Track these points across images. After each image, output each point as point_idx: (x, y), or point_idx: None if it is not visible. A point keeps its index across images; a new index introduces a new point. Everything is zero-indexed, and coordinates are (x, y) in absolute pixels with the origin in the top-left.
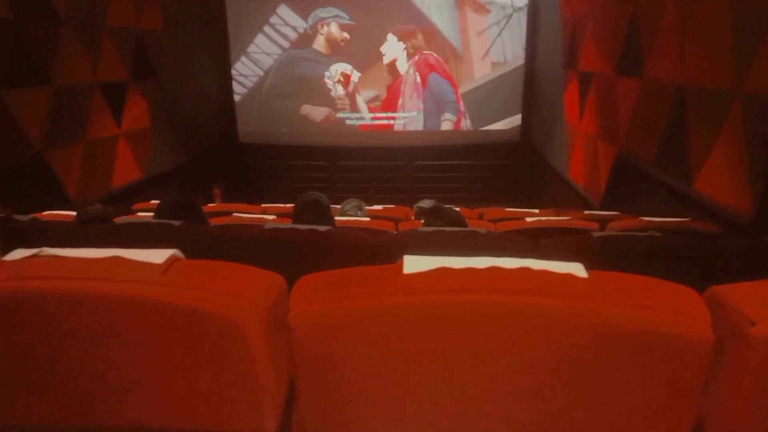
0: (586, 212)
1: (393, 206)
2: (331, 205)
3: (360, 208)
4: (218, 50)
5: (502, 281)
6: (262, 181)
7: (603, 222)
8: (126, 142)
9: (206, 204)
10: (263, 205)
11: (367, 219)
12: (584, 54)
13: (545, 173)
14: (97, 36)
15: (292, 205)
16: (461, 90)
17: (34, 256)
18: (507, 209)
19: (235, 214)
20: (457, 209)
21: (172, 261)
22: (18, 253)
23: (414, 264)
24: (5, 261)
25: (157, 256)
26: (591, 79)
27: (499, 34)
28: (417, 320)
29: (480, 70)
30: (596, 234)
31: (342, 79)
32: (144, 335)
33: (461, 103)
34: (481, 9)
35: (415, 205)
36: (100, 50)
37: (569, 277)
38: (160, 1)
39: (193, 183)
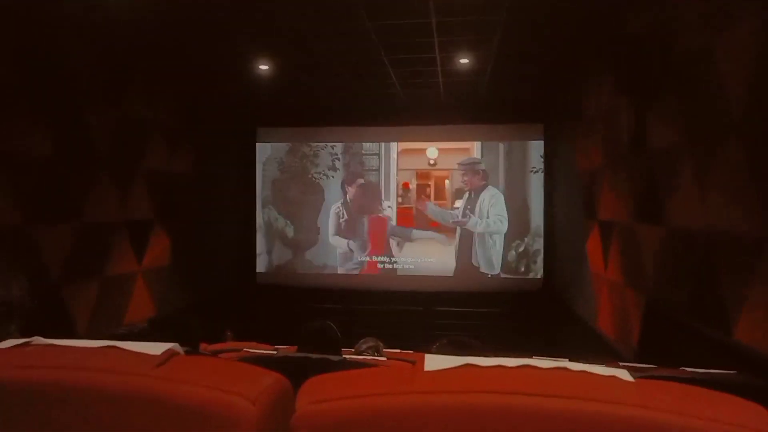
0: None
1: (411, 351)
2: (348, 348)
3: (377, 350)
4: (244, 193)
5: (536, 382)
6: (278, 323)
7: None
8: (143, 280)
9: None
10: (277, 346)
11: (384, 359)
12: (603, 203)
13: (570, 323)
14: (129, 177)
15: None
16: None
17: (25, 344)
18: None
19: (245, 350)
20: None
21: (169, 355)
22: (7, 342)
23: (436, 362)
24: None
25: (154, 348)
26: (612, 227)
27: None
28: (437, 421)
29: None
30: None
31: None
32: (131, 429)
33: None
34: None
35: (435, 346)
36: (131, 190)
37: (614, 381)
38: (193, 145)
39: (206, 323)
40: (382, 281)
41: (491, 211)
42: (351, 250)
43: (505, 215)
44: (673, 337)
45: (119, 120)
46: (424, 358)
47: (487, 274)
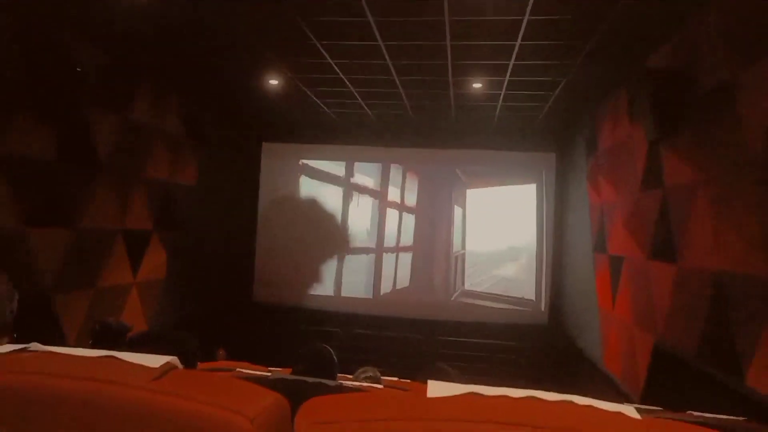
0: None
1: (409, 381)
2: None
3: (376, 380)
4: (245, 209)
5: (541, 414)
6: (273, 342)
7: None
8: (137, 292)
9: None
10: (271, 368)
11: (381, 387)
12: (613, 238)
13: (576, 359)
14: (129, 185)
15: None
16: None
17: (22, 350)
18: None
19: (238, 369)
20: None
21: (168, 368)
22: (5, 348)
23: (439, 389)
24: None
25: (153, 360)
26: (622, 263)
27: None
28: None
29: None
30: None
31: None
32: None
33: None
34: None
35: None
36: (131, 199)
37: (621, 417)
38: (197, 158)
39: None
40: (380, 306)
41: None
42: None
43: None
44: (682, 380)
45: (123, 127)
46: (426, 384)
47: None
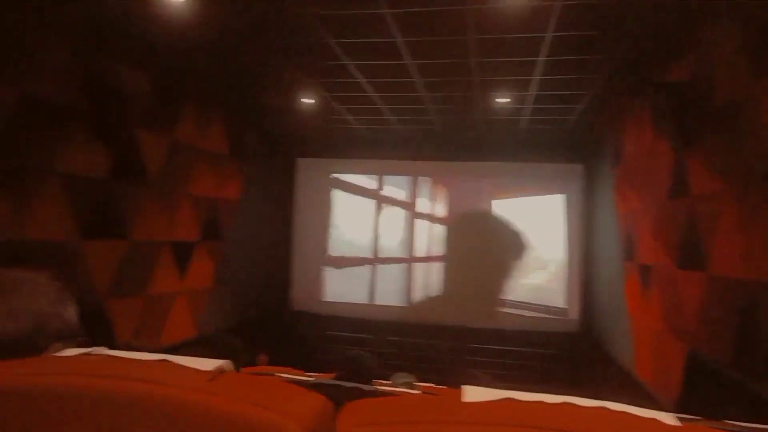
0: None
1: (444, 387)
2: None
3: (411, 386)
4: (283, 222)
5: (577, 420)
6: (311, 350)
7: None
8: (185, 300)
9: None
10: (311, 374)
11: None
12: (643, 247)
13: (607, 367)
14: (177, 200)
15: None
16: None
17: (87, 353)
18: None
19: (278, 374)
20: None
21: (220, 371)
22: (72, 351)
23: (475, 394)
24: (56, 356)
25: (206, 364)
26: (651, 272)
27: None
28: None
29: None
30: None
31: None
32: None
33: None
34: None
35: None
36: (178, 213)
37: (656, 424)
38: (239, 174)
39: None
40: (413, 314)
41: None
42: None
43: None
44: (717, 389)
45: (170, 146)
46: (460, 391)
47: (520, 313)
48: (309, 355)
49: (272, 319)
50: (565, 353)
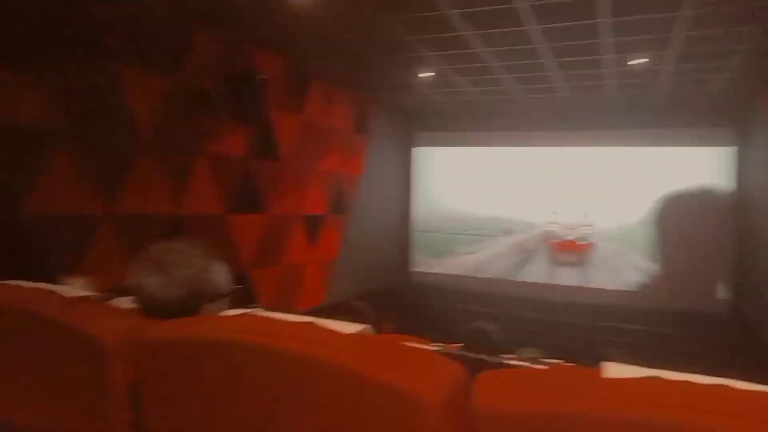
0: None
1: (574, 364)
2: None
3: (537, 362)
4: (403, 196)
5: (734, 403)
6: (432, 321)
7: None
8: (315, 270)
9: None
10: (435, 343)
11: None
12: None
13: (758, 350)
14: (306, 177)
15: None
16: None
17: (247, 313)
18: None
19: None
20: None
21: (362, 334)
22: (234, 310)
23: (616, 370)
24: (220, 315)
25: (348, 328)
26: None
27: None
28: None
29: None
30: None
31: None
32: (325, 398)
33: None
34: None
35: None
36: (307, 188)
37: None
38: (363, 150)
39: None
40: (544, 290)
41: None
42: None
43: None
44: None
45: (300, 124)
46: (600, 366)
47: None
48: (430, 326)
49: (394, 290)
50: (710, 335)
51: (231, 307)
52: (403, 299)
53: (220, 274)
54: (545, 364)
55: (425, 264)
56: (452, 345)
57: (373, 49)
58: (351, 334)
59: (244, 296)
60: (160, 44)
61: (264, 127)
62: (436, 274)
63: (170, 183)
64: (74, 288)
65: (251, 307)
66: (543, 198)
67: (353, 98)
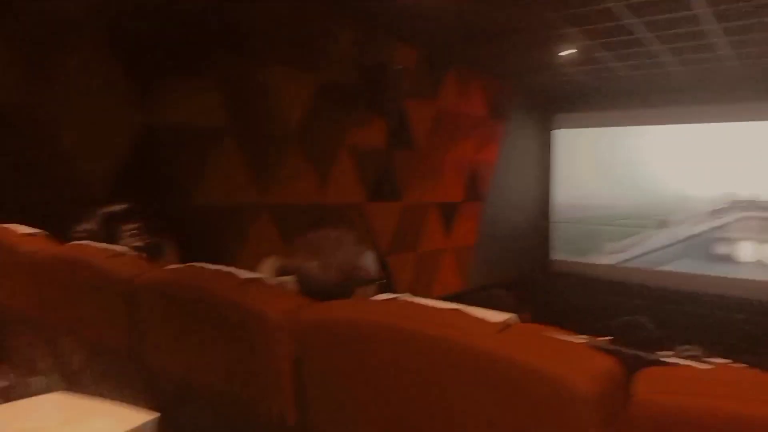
0: None
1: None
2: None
3: (699, 360)
4: (542, 182)
5: None
6: (574, 312)
7: None
8: (451, 256)
9: None
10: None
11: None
12: None
13: None
14: (441, 164)
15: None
16: None
17: (394, 298)
18: None
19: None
20: None
21: (508, 323)
22: (383, 296)
23: None
24: (371, 299)
25: (494, 316)
26: None
27: None
28: None
29: None
30: None
31: None
32: (478, 385)
33: None
34: None
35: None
36: (443, 175)
37: None
38: (498, 136)
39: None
40: (698, 283)
41: None
42: None
43: None
44: None
45: (434, 112)
46: None
47: None
48: (573, 317)
49: (533, 278)
50: None
51: (378, 293)
52: (542, 288)
53: (370, 261)
54: (707, 363)
55: (567, 252)
56: (599, 339)
57: (512, 31)
58: (500, 322)
59: (387, 282)
60: (305, 44)
61: (400, 117)
62: (578, 263)
63: (316, 174)
64: (252, 270)
65: (398, 293)
66: (711, 179)
67: (489, 83)
